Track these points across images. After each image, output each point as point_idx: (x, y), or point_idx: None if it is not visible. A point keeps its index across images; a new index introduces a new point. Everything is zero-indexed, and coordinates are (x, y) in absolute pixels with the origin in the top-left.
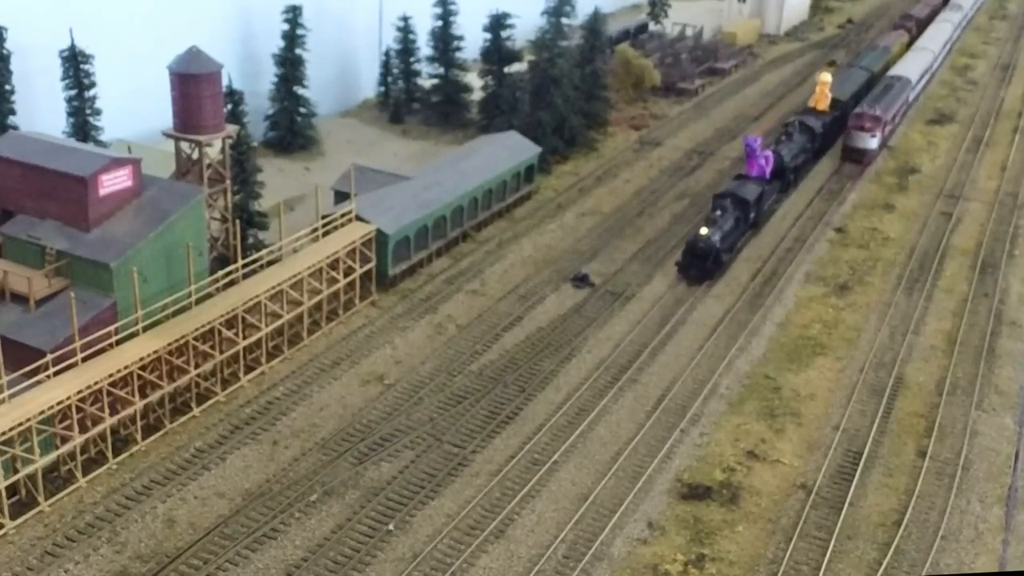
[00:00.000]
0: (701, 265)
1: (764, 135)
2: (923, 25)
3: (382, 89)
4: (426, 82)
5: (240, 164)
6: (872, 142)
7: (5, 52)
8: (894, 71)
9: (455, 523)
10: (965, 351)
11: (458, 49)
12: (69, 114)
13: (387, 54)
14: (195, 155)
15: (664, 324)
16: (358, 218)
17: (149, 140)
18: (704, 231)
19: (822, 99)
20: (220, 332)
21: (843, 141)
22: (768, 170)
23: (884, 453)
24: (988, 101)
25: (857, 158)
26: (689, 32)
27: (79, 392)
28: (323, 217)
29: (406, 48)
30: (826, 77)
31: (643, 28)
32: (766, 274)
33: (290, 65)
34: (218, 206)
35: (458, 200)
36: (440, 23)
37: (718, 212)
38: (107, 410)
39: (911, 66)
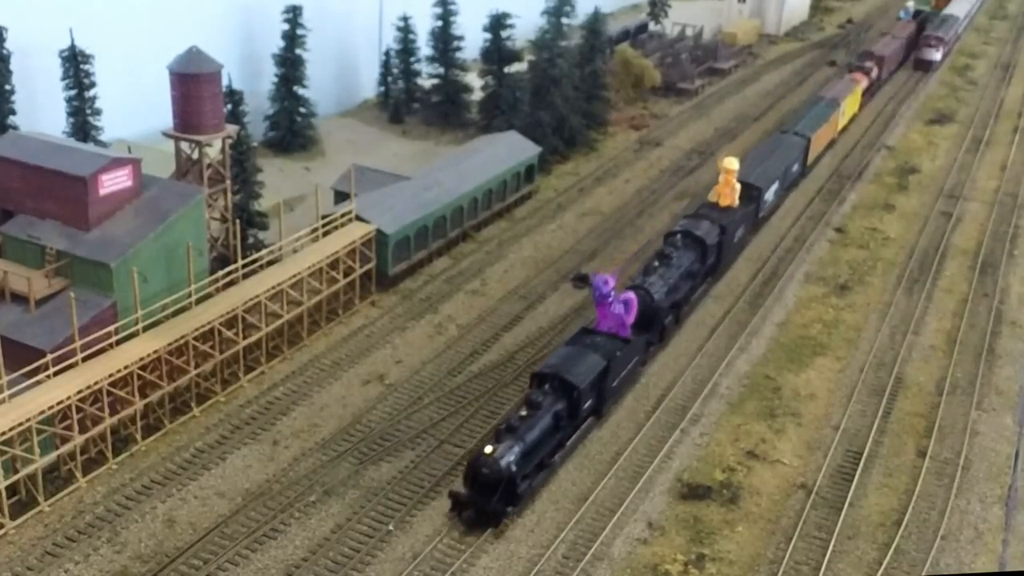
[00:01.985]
0: (486, 501)
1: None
2: (889, 63)
3: (382, 89)
4: (426, 82)
5: (240, 164)
6: (937, 55)
7: (5, 52)
8: (947, 10)
9: (455, 523)
10: (965, 351)
11: (458, 49)
12: (69, 114)
13: (387, 54)
14: (195, 155)
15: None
16: (358, 218)
17: (149, 140)
18: (490, 449)
19: (727, 192)
20: (220, 332)
21: (915, 56)
22: (629, 320)
23: (884, 453)
24: (988, 101)
25: (925, 67)
26: (689, 32)
27: (79, 392)
28: (323, 217)
29: (406, 48)
30: (731, 164)
31: (643, 28)
32: (766, 274)
33: (290, 65)
34: (218, 206)
35: (458, 200)
36: (440, 23)
37: (523, 412)
38: (107, 410)
39: (958, 8)
